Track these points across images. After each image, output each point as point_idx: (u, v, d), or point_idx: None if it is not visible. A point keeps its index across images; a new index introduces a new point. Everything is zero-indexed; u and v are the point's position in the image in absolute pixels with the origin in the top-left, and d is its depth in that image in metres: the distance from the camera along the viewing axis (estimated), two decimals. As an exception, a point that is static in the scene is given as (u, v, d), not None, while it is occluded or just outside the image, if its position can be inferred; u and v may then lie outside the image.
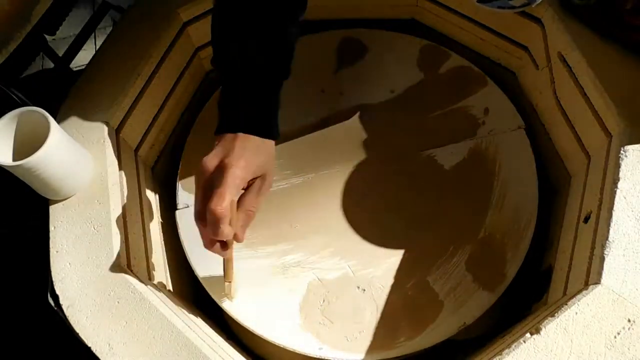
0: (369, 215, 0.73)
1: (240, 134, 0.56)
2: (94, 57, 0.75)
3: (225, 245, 0.58)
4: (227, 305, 0.69)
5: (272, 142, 0.58)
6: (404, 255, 0.70)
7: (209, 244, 0.57)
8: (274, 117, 0.59)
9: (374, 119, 0.80)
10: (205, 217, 0.54)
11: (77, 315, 0.58)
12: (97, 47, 0.78)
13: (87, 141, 0.68)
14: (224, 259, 0.62)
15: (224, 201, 0.52)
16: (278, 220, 0.74)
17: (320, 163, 0.77)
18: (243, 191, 0.57)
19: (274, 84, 0.59)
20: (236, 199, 0.55)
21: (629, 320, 0.51)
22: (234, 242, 0.58)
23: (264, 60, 0.57)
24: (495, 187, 0.73)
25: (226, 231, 0.54)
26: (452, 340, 0.66)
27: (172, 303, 0.63)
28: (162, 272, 0.73)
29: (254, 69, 0.57)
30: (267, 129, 0.58)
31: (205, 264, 0.72)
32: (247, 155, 0.55)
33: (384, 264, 0.70)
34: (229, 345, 0.67)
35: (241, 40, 0.57)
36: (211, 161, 0.55)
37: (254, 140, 0.56)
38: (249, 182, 0.56)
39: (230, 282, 0.64)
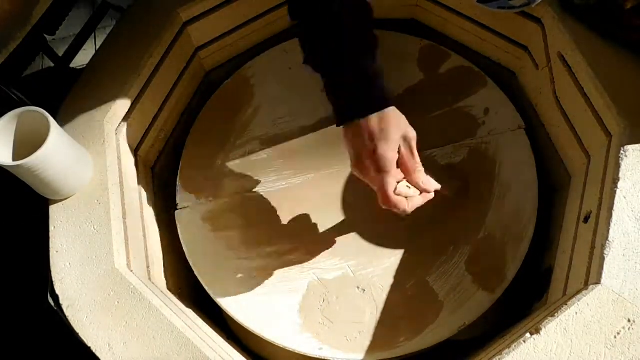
0: (368, 215, 0.73)
1: (361, 120, 0.57)
2: (94, 57, 0.75)
3: (415, 200, 0.59)
4: (227, 305, 0.69)
5: (391, 108, 0.58)
6: (404, 255, 0.70)
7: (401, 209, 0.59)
8: (381, 88, 0.59)
9: (374, 119, 0.80)
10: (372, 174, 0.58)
11: (77, 315, 0.58)
12: (97, 47, 0.78)
13: (87, 141, 0.68)
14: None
15: (389, 194, 0.57)
16: (278, 220, 0.74)
17: (320, 163, 0.77)
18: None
19: (368, 61, 0.59)
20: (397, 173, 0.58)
21: (629, 320, 0.51)
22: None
23: (359, 47, 0.58)
24: (495, 187, 0.73)
25: (411, 205, 0.58)
26: (452, 340, 0.66)
27: (172, 303, 0.63)
28: (162, 272, 0.73)
29: (341, 53, 0.58)
30: (381, 102, 0.58)
31: (205, 264, 0.72)
32: (383, 138, 0.56)
33: (384, 264, 0.70)
34: (228, 345, 0.67)
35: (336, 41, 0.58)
36: (363, 164, 0.58)
37: (375, 117, 0.57)
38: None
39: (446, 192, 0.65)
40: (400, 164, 0.58)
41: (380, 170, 0.57)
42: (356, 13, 0.59)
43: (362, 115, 0.57)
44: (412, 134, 0.59)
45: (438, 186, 0.61)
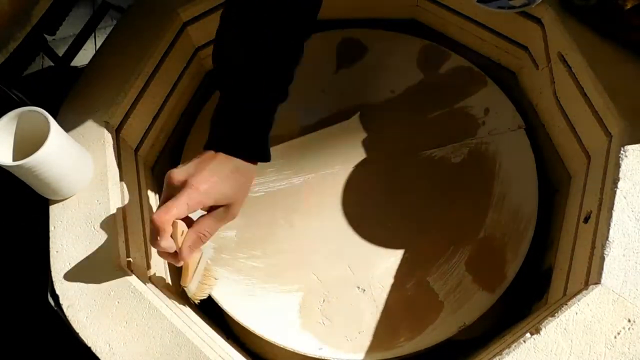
0: (368, 215, 0.73)
1: (221, 154, 0.54)
2: (94, 57, 0.75)
3: (173, 256, 0.56)
4: (227, 305, 0.69)
5: (254, 167, 0.57)
6: (404, 255, 0.70)
7: (160, 253, 0.57)
8: (262, 138, 0.57)
9: (374, 119, 0.80)
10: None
11: (77, 315, 0.58)
12: (97, 47, 0.78)
13: (87, 141, 0.68)
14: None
15: (166, 215, 0.51)
16: (277, 220, 0.74)
17: (320, 163, 0.77)
18: (205, 213, 0.57)
19: (268, 106, 0.58)
20: (183, 215, 0.54)
21: (629, 320, 0.51)
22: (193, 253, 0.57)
23: (262, 78, 0.56)
24: (495, 187, 0.73)
25: (163, 244, 0.53)
26: (452, 340, 0.66)
27: (172, 303, 0.63)
28: (162, 272, 0.73)
29: (250, 87, 0.56)
30: (252, 151, 0.56)
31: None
32: (213, 180, 0.53)
33: (384, 264, 0.70)
34: (229, 345, 0.67)
35: (242, 54, 0.56)
36: (178, 175, 0.54)
37: (232, 163, 0.55)
38: (212, 206, 0.56)
39: (185, 286, 0.61)
40: (199, 219, 0.56)
41: (184, 194, 0.52)
42: (287, 49, 0.57)
43: (236, 154, 0.54)
44: (236, 214, 0.57)
45: (187, 260, 0.57)
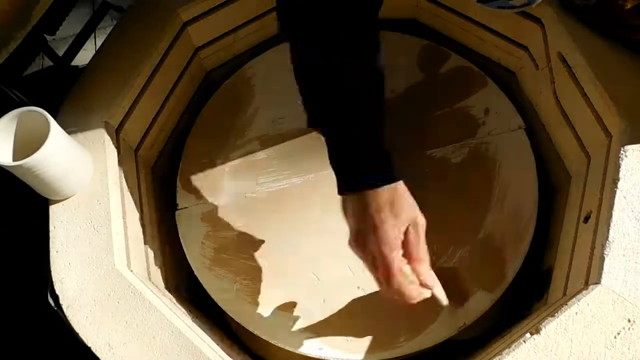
0: (369, 215, 0.73)
1: (366, 192, 0.51)
2: (94, 57, 0.75)
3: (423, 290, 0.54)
4: (227, 305, 0.69)
5: (399, 183, 0.53)
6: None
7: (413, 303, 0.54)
8: (389, 157, 0.54)
9: (374, 119, 0.80)
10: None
11: (77, 315, 0.58)
12: (97, 47, 0.78)
13: (87, 141, 0.68)
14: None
15: (395, 273, 0.51)
16: (278, 220, 0.74)
17: (320, 163, 0.77)
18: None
19: (376, 125, 0.54)
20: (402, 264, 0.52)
21: (629, 320, 0.51)
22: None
23: (364, 100, 0.53)
24: (495, 187, 0.73)
25: (415, 294, 0.53)
26: (452, 340, 0.66)
27: (172, 303, 0.63)
28: (162, 272, 0.73)
29: (355, 119, 0.53)
30: (388, 173, 0.53)
31: (205, 264, 0.72)
32: (388, 219, 0.51)
33: (384, 264, 0.70)
34: (228, 345, 0.66)
35: (336, 86, 0.53)
36: (360, 243, 0.53)
37: (382, 192, 0.51)
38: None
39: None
40: (404, 249, 0.53)
41: (385, 248, 0.51)
42: (372, 79, 0.54)
43: (373, 185, 0.51)
44: (423, 220, 0.53)
45: (438, 285, 0.56)
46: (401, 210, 0.51)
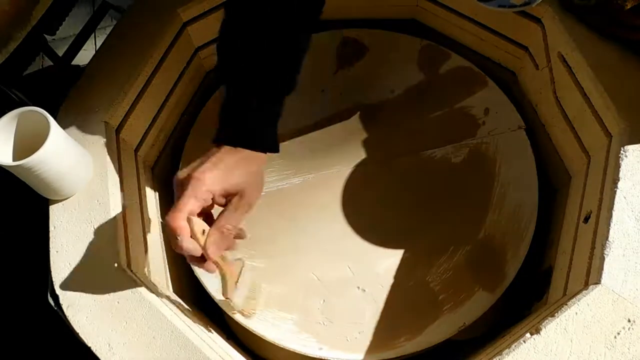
0: (368, 215, 0.73)
1: (225, 147, 0.53)
2: (94, 57, 0.75)
3: (201, 260, 0.54)
4: (227, 305, 0.68)
5: (264, 156, 0.55)
6: (404, 255, 0.70)
7: (189, 258, 0.54)
8: (269, 128, 0.56)
9: (374, 119, 0.80)
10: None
11: (77, 315, 0.58)
12: (97, 47, 0.78)
13: (87, 141, 0.68)
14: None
15: (179, 213, 0.50)
16: (278, 220, 0.74)
17: (320, 163, 0.77)
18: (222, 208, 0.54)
19: (275, 96, 0.56)
20: (196, 211, 0.52)
21: (629, 320, 0.51)
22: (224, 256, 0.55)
23: (268, 70, 0.55)
24: (495, 187, 0.73)
25: (185, 246, 0.51)
26: (452, 340, 0.66)
27: (172, 303, 0.63)
28: (162, 272, 0.73)
29: (255, 80, 0.54)
30: (258, 141, 0.54)
31: (205, 264, 0.72)
32: (219, 167, 0.52)
33: (384, 264, 0.70)
34: (229, 345, 0.67)
35: (247, 46, 0.55)
36: (182, 173, 0.53)
37: (238, 153, 0.53)
38: (227, 200, 0.54)
39: (227, 298, 0.60)
40: (218, 215, 0.53)
41: (189, 187, 0.51)
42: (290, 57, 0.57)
43: (250, 147, 0.53)
44: (253, 205, 0.54)
45: (210, 264, 0.55)
46: (225, 176, 0.52)
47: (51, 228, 0.63)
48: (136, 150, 0.76)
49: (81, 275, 0.60)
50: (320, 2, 0.60)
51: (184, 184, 0.52)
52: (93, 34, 1.02)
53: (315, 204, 0.74)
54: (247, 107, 0.54)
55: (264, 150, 0.55)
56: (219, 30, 0.58)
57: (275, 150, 0.56)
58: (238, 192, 0.53)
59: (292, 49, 0.57)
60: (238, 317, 0.67)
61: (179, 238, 0.50)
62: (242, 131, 0.54)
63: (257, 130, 0.55)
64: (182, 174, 0.53)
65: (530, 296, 0.71)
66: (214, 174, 0.52)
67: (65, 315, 0.58)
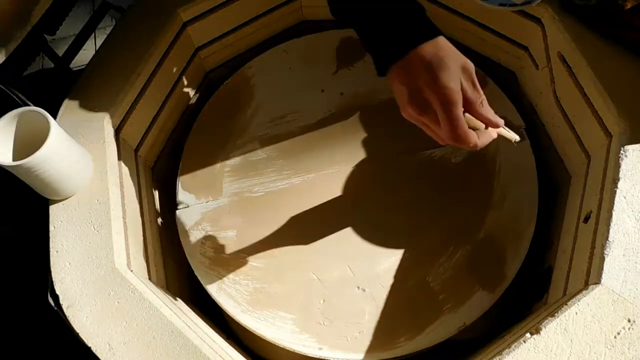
0: (368, 215, 0.73)
1: (408, 55, 0.51)
2: (94, 57, 0.75)
3: (485, 135, 0.54)
4: (227, 305, 0.69)
5: (440, 38, 0.52)
6: (404, 255, 0.70)
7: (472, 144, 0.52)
8: (423, 13, 0.54)
9: (374, 119, 0.80)
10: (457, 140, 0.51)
11: (77, 315, 0.58)
12: (97, 47, 0.78)
13: (87, 141, 0.68)
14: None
15: (463, 127, 0.50)
16: (278, 220, 0.74)
17: (320, 163, 0.77)
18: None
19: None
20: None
21: (629, 320, 0.51)
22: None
23: None
24: (495, 187, 0.73)
25: (483, 141, 0.52)
26: (452, 340, 0.66)
27: (172, 303, 0.63)
28: (162, 272, 0.73)
29: None
30: (428, 29, 0.52)
31: (205, 264, 0.72)
32: (442, 67, 0.50)
33: (384, 264, 0.70)
34: (229, 345, 0.67)
35: None
36: (418, 101, 0.51)
37: (426, 48, 0.51)
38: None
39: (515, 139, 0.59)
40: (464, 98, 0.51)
41: (446, 102, 0.49)
42: None
43: (414, 44, 0.50)
44: (471, 64, 0.52)
45: (501, 122, 0.55)
46: (450, 60, 0.50)
47: (51, 228, 0.63)
48: (136, 150, 0.76)
49: (81, 276, 0.60)
50: None
51: (430, 109, 0.51)
52: (93, 34, 1.02)
53: (315, 203, 0.74)
54: (418, 4, 0.53)
55: (439, 34, 0.53)
56: None
57: (440, 32, 0.54)
58: (462, 68, 0.52)
59: None
60: (239, 317, 0.67)
61: (470, 141, 0.51)
62: (429, 26, 0.53)
63: (427, 20, 0.54)
64: (417, 102, 0.51)
65: (530, 296, 0.71)
66: (449, 73, 0.50)
67: (65, 315, 0.58)
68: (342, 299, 0.68)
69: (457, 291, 0.67)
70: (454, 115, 0.50)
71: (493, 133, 0.55)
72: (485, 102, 0.53)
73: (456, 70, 0.51)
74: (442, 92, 0.49)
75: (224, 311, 0.69)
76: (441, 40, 0.52)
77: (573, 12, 0.69)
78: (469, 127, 0.51)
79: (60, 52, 0.93)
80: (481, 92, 0.52)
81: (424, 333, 0.65)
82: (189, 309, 0.67)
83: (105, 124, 0.69)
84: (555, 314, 0.52)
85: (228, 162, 0.79)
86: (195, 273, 0.72)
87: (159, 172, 0.82)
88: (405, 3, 0.53)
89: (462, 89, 0.51)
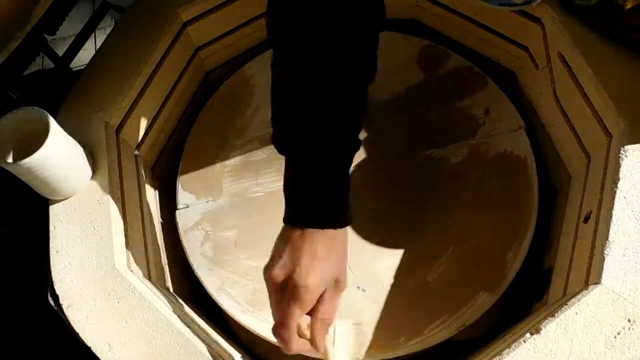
0: (369, 215, 0.73)
1: (309, 230, 0.49)
2: (93, 57, 0.75)
3: (309, 346, 0.52)
4: (227, 305, 0.69)
5: (347, 229, 0.52)
6: (404, 255, 0.70)
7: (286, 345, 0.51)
8: (346, 199, 0.51)
9: (374, 119, 0.80)
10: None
11: (77, 315, 0.58)
12: (97, 47, 0.78)
13: (87, 141, 0.68)
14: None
15: (289, 327, 0.49)
16: (278, 220, 0.74)
17: (320, 163, 0.77)
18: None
19: (344, 163, 0.51)
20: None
21: (629, 320, 0.51)
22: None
23: (333, 136, 0.50)
24: (495, 187, 0.73)
25: (297, 348, 0.50)
26: (452, 340, 0.66)
27: (172, 303, 0.63)
28: (162, 272, 0.73)
29: (323, 149, 0.49)
30: (341, 217, 0.50)
31: (205, 264, 0.72)
32: (316, 266, 0.48)
33: (384, 264, 0.70)
34: (229, 345, 0.66)
35: (305, 113, 0.49)
36: (278, 274, 0.49)
37: (326, 235, 0.49)
38: None
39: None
40: (316, 306, 0.50)
41: (294, 297, 0.48)
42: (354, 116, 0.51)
43: (324, 227, 0.49)
44: (346, 282, 0.52)
45: (322, 350, 0.52)
46: (324, 271, 0.49)
47: (51, 228, 0.63)
48: (136, 150, 0.76)
49: (81, 276, 0.60)
50: (377, 38, 0.55)
51: (284, 289, 0.49)
52: (93, 34, 1.02)
53: (315, 204, 0.74)
54: (322, 182, 0.50)
55: (348, 223, 0.52)
56: (271, 91, 0.52)
57: (353, 220, 0.52)
58: (335, 281, 0.51)
59: (354, 105, 0.52)
60: (239, 317, 0.67)
61: (292, 347, 0.50)
62: (326, 211, 0.50)
63: (340, 206, 0.51)
64: (277, 276, 0.49)
65: (530, 296, 0.71)
66: (314, 277, 0.48)
67: (65, 315, 0.58)
68: (342, 299, 0.68)
69: (457, 291, 0.67)
70: (290, 310, 0.48)
71: (309, 348, 0.52)
72: (329, 324, 0.51)
73: (331, 271, 0.50)
74: (296, 286, 0.48)
75: (224, 311, 0.69)
76: (345, 235, 0.51)
77: (573, 12, 0.69)
78: (301, 334, 0.50)
79: (60, 52, 0.93)
80: (334, 311, 0.51)
81: (424, 333, 0.65)
82: (189, 309, 0.67)
83: (105, 124, 0.69)
84: (555, 314, 0.52)
85: (228, 162, 0.79)
86: (195, 273, 0.71)
87: (159, 172, 0.82)
88: (347, 172, 0.51)
89: (321, 296, 0.49)
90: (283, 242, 0.50)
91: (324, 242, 0.49)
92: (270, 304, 0.51)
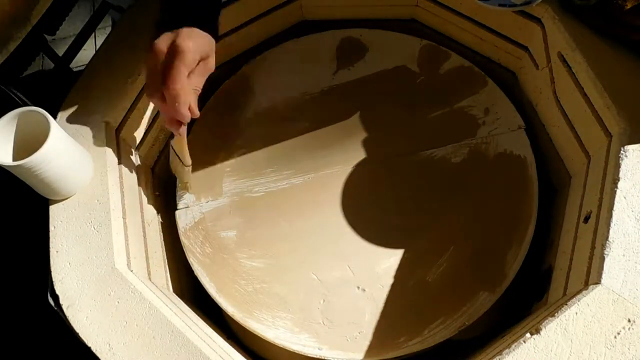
0: (368, 215, 0.73)
1: (185, 28, 0.58)
2: (93, 57, 0.75)
3: (180, 124, 0.63)
4: (227, 305, 0.69)
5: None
6: (404, 255, 0.70)
7: (169, 122, 0.63)
8: (217, 16, 0.64)
9: (374, 119, 0.80)
10: (161, 97, 0.59)
11: (77, 315, 0.58)
12: (97, 47, 0.78)
13: (87, 141, 0.68)
14: (175, 144, 0.68)
15: (181, 81, 0.57)
16: (278, 220, 0.74)
17: (320, 163, 0.77)
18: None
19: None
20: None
21: (629, 320, 0.51)
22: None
23: None
24: (495, 187, 0.73)
25: (184, 110, 0.60)
26: (452, 340, 0.66)
27: (172, 303, 0.63)
28: (162, 272, 0.73)
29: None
30: (211, 26, 0.62)
31: (205, 264, 0.72)
32: (193, 36, 0.58)
33: (384, 264, 0.70)
34: (229, 345, 0.67)
35: None
36: (162, 43, 0.58)
37: (197, 30, 0.59)
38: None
39: (189, 165, 0.68)
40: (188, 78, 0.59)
41: (179, 57, 0.57)
42: None
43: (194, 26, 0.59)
44: (214, 65, 0.62)
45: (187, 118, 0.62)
46: (200, 44, 0.59)
47: (51, 228, 0.63)
48: (136, 150, 0.76)
49: (81, 276, 0.60)
50: None
51: (170, 54, 0.57)
52: (93, 34, 1.02)
53: (315, 204, 0.75)
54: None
55: (214, 36, 0.62)
56: None
57: (218, 38, 0.63)
58: (205, 58, 0.61)
59: None
60: (239, 317, 0.67)
61: (183, 104, 0.59)
62: (201, 17, 0.61)
63: (211, 17, 0.63)
64: (161, 44, 0.58)
65: (530, 296, 0.71)
66: (193, 42, 0.58)
67: (65, 315, 0.58)
68: (342, 299, 0.68)
69: (457, 291, 0.67)
70: (176, 68, 0.57)
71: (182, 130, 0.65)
72: (196, 94, 0.62)
73: (203, 44, 0.59)
74: (181, 44, 0.57)
75: (224, 311, 0.69)
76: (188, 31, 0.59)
77: (573, 12, 0.69)
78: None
79: (60, 52, 0.93)
80: (200, 87, 0.62)
81: (424, 333, 0.65)
82: (189, 309, 0.67)
83: (105, 124, 0.69)
84: (555, 314, 0.52)
85: (228, 162, 0.79)
86: (195, 273, 0.72)
87: (159, 172, 0.82)
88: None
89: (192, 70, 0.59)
90: (163, 34, 0.59)
91: (198, 32, 0.59)
92: (152, 77, 0.60)
